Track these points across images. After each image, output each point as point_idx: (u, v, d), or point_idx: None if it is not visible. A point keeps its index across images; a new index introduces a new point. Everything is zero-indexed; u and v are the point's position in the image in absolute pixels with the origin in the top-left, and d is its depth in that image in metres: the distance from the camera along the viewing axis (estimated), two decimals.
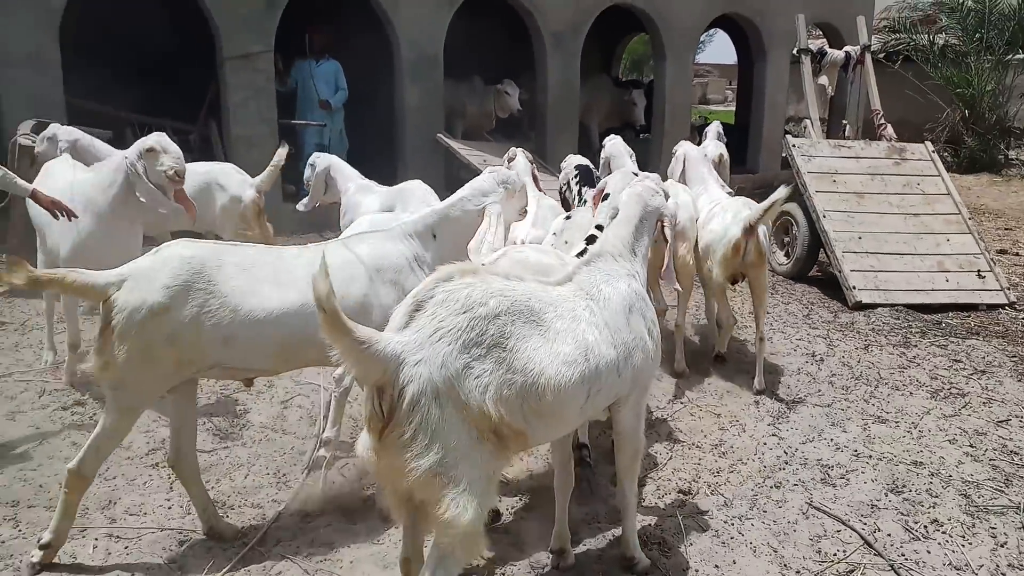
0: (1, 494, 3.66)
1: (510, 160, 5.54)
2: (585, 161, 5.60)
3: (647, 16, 11.83)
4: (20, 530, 3.39)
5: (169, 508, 3.60)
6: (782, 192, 4.85)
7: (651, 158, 11.71)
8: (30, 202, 4.94)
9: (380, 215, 4.98)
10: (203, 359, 3.06)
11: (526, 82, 11.54)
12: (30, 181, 4.71)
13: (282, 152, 6.15)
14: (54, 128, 5.98)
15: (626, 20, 13.08)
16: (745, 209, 5.14)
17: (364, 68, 10.87)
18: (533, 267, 3.19)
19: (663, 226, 3.25)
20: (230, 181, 6.13)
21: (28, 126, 7.10)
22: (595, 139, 13.16)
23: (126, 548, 3.28)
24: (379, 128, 10.95)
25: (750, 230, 4.96)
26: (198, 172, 5.91)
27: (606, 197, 3.78)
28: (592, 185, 4.52)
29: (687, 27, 12.13)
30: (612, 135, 6.04)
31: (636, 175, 3.90)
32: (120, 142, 8.98)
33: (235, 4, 8.94)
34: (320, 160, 6.36)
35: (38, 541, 3.14)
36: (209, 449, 4.16)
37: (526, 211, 4.11)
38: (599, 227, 3.67)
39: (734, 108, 17.33)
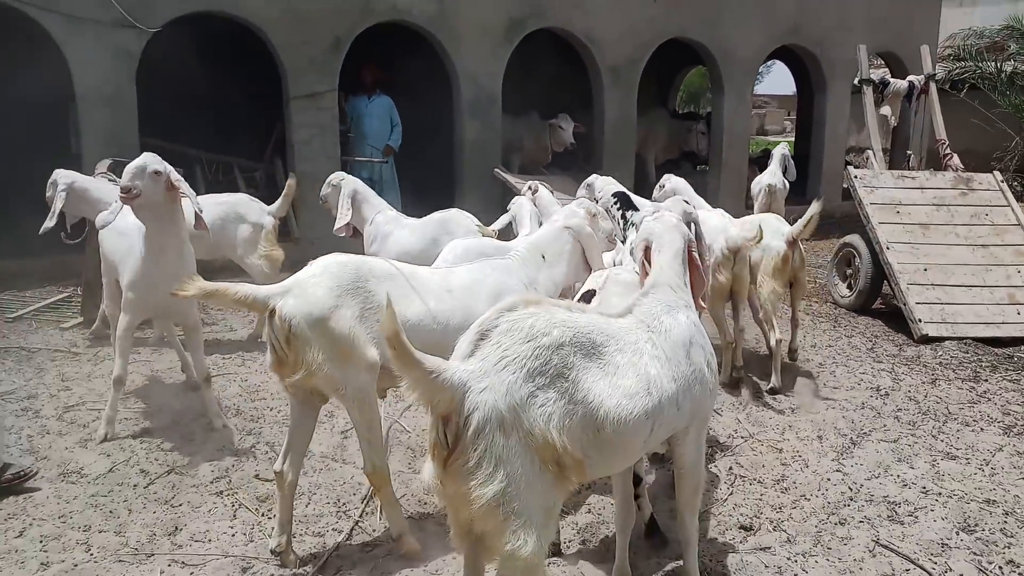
0: (74, 519, 3.79)
1: (533, 192, 5.80)
2: (618, 185, 5.66)
3: (705, 49, 11.85)
4: (92, 554, 3.50)
5: (232, 535, 3.67)
6: (816, 207, 5.69)
7: (709, 191, 11.64)
8: (102, 235, 5.17)
9: (474, 241, 4.95)
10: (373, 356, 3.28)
11: (583, 116, 11.64)
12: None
13: (291, 183, 6.70)
14: (55, 174, 6.25)
15: (684, 53, 13.11)
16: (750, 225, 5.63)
17: (422, 104, 11.12)
18: (634, 287, 3.26)
19: (690, 251, 3.21)
20: (250, 210, 6.60)
21: (105, 165, 7.41)
22: (651, 172, 13.17)
23: (191, 574, 3.36)
24: (436, 162, 11.14)
25: (793, 243, 5.72)
26: (220, 203, 6.50)
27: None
28: (634, 209, 4.59)
29: (745, 59, 12.12)
30: (668, 174, 6.19)
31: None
32: (190, 179, 9.33)
33: (302, 45, 9.26)
34: (346, 182, 6.44)
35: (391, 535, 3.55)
36: (271, 478, 4.23)
37: (613, 239, 4.27)
38: None
39: (793, 139, 17.15)
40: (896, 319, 7.26)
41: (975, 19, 17.00)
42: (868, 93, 8.72)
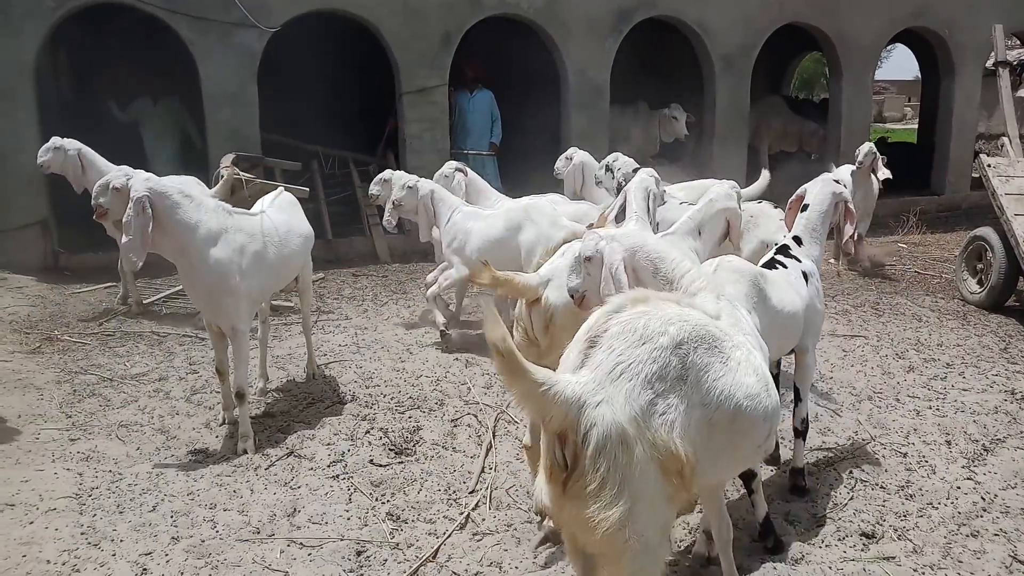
0: (201, 497, 3.98)
1: (465, 175, 6.85)
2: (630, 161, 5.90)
3: (823, 34, 11.39)
4: (217, 531, 3.67)
5: (348, 519, 3.78)
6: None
7: None
8: None
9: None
10: None
11: (691, 105, 11.38)
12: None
13: (226, 171, 6.97)
14: (59, 140, 6.81)
15: (799, 38, 12.64)
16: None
17: (527, 97, 11.13)
18: (749, 276, 3.36)
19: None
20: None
21: (229, 159, 7.76)
22: (764, 162, 12.77)
23: (309, 555, 3.47)
24: (541, 156, 11.11)
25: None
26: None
27: (805, 208, 3.99)
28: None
29: (866, 44, 11.57)
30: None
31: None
32: (307, 172, 9.67)
33: (414, 41, 9.43)
34: (423, 184, 6.39)
35: None
36: (385, 464, 4.35)
37: None
38: (796, 238, 3.93)
39: (915, 126, 16.30)
40: None
41: None
42: (1004, 76, 8.16)
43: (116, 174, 4.35)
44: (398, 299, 7.90)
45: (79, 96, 10.91)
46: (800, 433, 3.97)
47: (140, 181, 4.16)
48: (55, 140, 6.96)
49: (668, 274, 2.93)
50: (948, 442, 4.59)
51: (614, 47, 10.32)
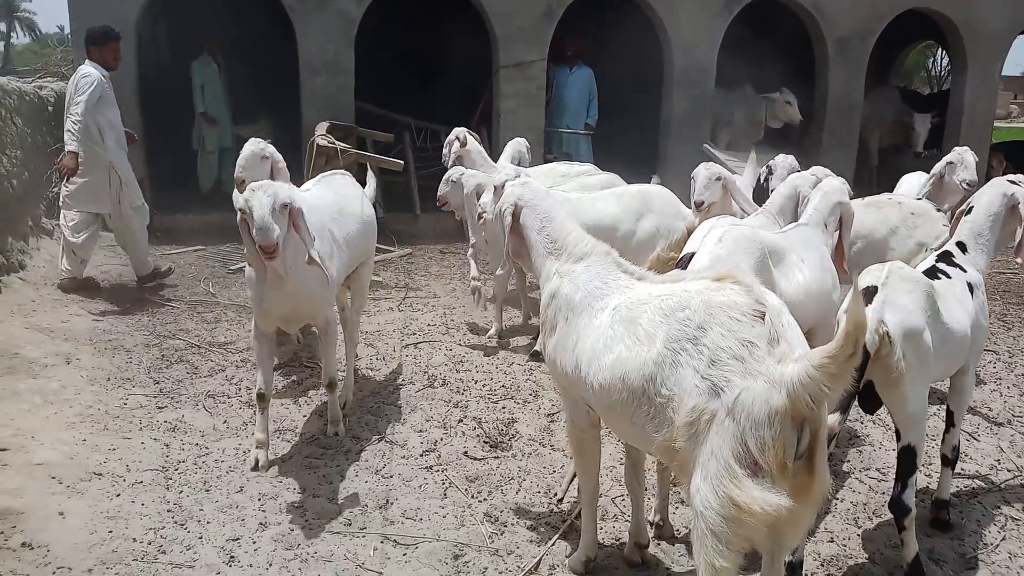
0: (290, 480, 3.78)
1: (462, 144, 6.38)
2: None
3: (947, 21, 10.62)
4: (307, 520, 3.45)
5: (444, 516, 3.52)
6: None
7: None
8: None
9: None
10: None
11: (800, 92, 10.76)
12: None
13: None
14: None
15: (914, 25, 11.84)
16: None
17: (627, 76, 10.67)
18: (923, 285, 3.18)
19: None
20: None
21: (323, 127, 7.60)
22: (873, 156, 12.08)
23: (404, 555, 3.22)
24: (640, 136, 10.69)
25: None
26: None
27: (970, 211, 3.59)
28: None
29: (996, 32, 10.75)
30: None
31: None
32: (398, 144, 9.45)
33: (514, 14, 9.10)
34: (465, 177, 5.81)
35: None
36: (480, 457, 4.08)
37: None
38: (960, 244, 3.54)
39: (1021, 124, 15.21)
40: None
41: None
42: None
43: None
44: (486, 280, 7.61)
45: (174, 61, 10.90)
46: (949, 462, 3.53)
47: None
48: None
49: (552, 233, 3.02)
50: None
51: (723, 26, 9.81)
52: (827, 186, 4.12)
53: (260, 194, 3.43)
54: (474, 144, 6.47)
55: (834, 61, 10.26)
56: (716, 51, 9.82)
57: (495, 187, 3.54)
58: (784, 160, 5.87)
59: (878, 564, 3.26)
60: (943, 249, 3.48)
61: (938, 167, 5.86)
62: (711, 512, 2.15)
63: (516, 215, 3.10)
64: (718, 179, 5.28)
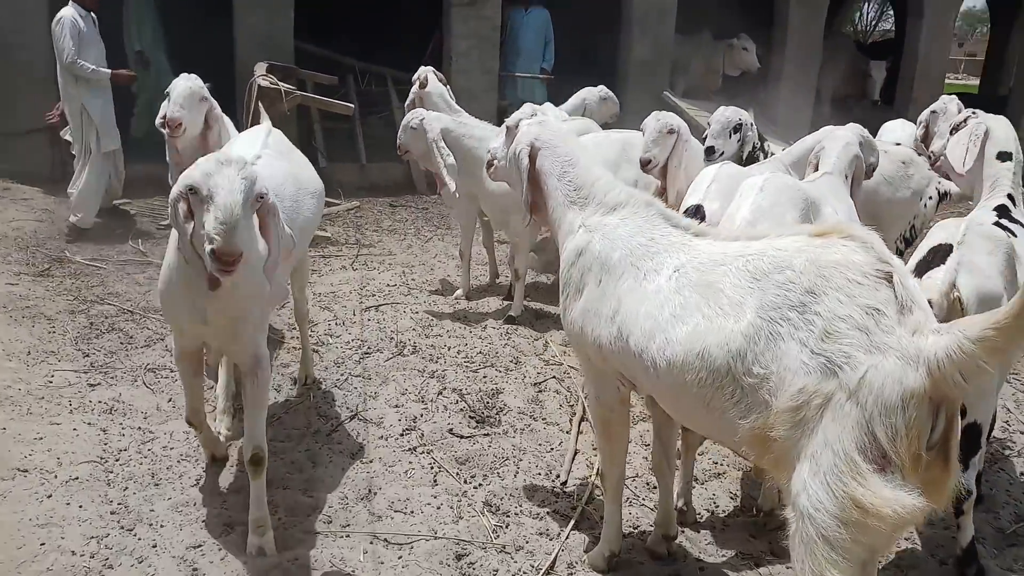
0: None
1: (422, 86, 5.80)
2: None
3: None
4: (280, 519, 2.96)
5: (438, 508, 3.08)
6: None
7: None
8: None
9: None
10: None
11: (757, 39, 10.42)
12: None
13: None
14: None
15: None
16: None
17: (582, 19, 10.14)
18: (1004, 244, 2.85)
19: None
20: None
21: (263, 67, 6.91)
22: (824, 106, 11.87)
23: (399, 558, 2.77)
24: (597, 83, 10.19)
25: None
26: None
27: (1005, 156, 3.23)
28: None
29: None
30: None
31: None
32: (342, 88, 8.74)
33: None
34: (427, 121, 4.90)
35: None
36: (468, 435, 3.64)
37: None
38: (1010, 195, 3.17)
39: (964, 79, 15.32)
40: None
41: None
42: None
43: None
44: (443, 235, 7.13)
45: None
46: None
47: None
48: None
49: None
50: None
51: None
52: (848, 136, 3.82)
53: (231, 172, 2.32)
54: (436, 85, 5.89)
55: (793, 5, 9.94)
56: None
57: (507, 128, 3.03)
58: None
59: (926, 549, 2.97)
60: (999, 203, 3.10)
61: (924, 115, 5.72)
62: (823, 515, 1.77)
63: (532, 158, 2.62)
64: (671, 132, 4.50)
